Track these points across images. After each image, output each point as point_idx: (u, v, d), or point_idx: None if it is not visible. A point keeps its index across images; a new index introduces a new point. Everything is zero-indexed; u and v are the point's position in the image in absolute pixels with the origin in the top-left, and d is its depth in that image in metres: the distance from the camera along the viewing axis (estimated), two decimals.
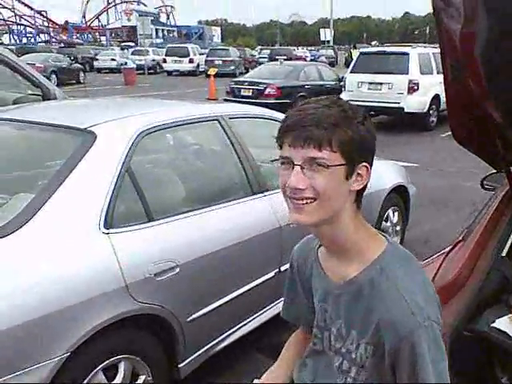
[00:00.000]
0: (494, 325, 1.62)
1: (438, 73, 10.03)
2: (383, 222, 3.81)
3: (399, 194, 3.97)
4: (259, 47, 53.25)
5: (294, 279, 1.27)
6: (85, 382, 1.88)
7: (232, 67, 26.23)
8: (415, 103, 10.22)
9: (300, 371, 1.25)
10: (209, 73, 17.09)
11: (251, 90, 11.53)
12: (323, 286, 1.14)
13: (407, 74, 10.23)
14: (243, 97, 11.21)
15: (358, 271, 1.06)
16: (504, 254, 1.85)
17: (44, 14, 63.18)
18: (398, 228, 4.04)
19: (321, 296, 1.15)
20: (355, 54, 12.47)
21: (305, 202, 1.01)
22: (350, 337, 1.08)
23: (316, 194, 1.00)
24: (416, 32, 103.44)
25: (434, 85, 9.90)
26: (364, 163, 1.03)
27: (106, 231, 2.01)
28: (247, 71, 20.73)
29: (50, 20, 64.17)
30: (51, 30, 63.45)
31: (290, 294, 1.31)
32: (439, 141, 9.20)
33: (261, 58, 34.37)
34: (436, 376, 0.97)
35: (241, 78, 13.56)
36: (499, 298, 1.78)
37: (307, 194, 1.00)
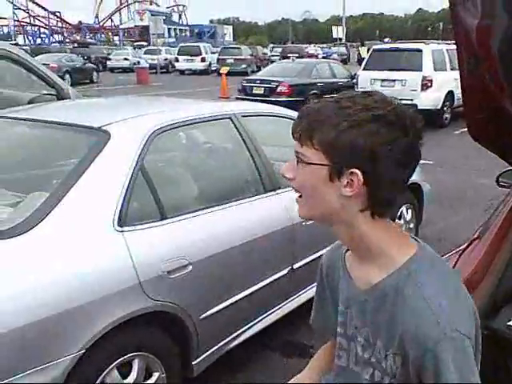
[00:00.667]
0: (510, 323, 1.60)
1: (451, 69, 9.94)
2: (397, 220, 3.79)
3: (413, 191, 3.94)
4: (271, 45, 53.20)
5: (323, 286, 1.22)
6: (99, 379, 1.90)
7: (244, 65, 26.23)
8: (429, 100, 10.13)
9: None
10: (221, 71, 17.13)
11: (263, 88, 11.53)
12: (348, 291, 1.08)
13: (421, 70, 10.14)
14: (255, 95, 11.21)
15: (384, 275, 0.99)
16: None
17: (58, 14, 63.77)
18: (411, 225, 4.01)
19: (346, 301, 1.09)
20: (363, 51, 12.38)
21: (297, 194, 1.01)
22: (377, 346, 1.02)
23: (299, 188, 1.00)
24: (429, 28, 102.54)
25: (447, 81, 9.82)
26: (354, 169, 0.92)
27: (120, 229, 2.02)
28: (259, 69, 20.76)
29: (64, 20, 64.72)
30: (65, 30, 64.02)
31: (318, 302, 1.25)
32: (453, 138, 9.12)
33: (273, 55, 34.37)
34: None
35: (253, 77, 13.57)
36: None
37: (294, 185, 1.00)
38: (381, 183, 0.94)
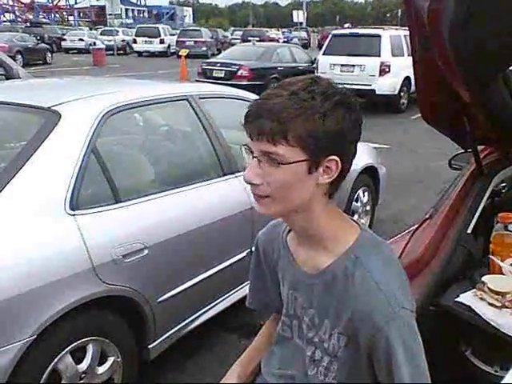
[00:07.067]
0: (458, 299, 1.65)
1: (409, 55, 10.08)
2: (354, 202, 3.85)
3: (369, 174, 4.01)
4: (232, 28, 52.59)
5: (260, 265, 1.23)
6: (51, 365, 1.86)
7: (204, 48, 25.88)
8: (386, 85, 10.30)
9: (267, 359, 1.23)
10: (180, 54, 16.79)
11: (223, 72, 11.42)
12: (294, 274, 1.10)
13: (379, 56, 10.28)
14: (215, 78, 11.08)
15: (332, 260, 1.02)
16: (469, 230, 1.88)
17: None
18: (368, 208, 4.09)
19: (291, 284, 1.11)
20: None
21: (259, 195, 0.98)
22: (323, 326, 1.05)
23: (271, 190, 0.95)
24: (388, 15, 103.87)
25: (405, 67, 9.98)
26: (332, 156, 0.95)
27: (72, 212, 1.97)
28: (219, 52, 20.48)
29: None
30: (16, 8, 61.28)
31: (257, 281, 1.26)
32: (410, 122, 9.31)
33: (233, 39, 34.01)
34: (410, 361, 0.96)
35: (213, 59, 13.39)
36: (464, 273, 1.81)
37: (261, 191, 0.96)
38: (347, 163, 0.99)
